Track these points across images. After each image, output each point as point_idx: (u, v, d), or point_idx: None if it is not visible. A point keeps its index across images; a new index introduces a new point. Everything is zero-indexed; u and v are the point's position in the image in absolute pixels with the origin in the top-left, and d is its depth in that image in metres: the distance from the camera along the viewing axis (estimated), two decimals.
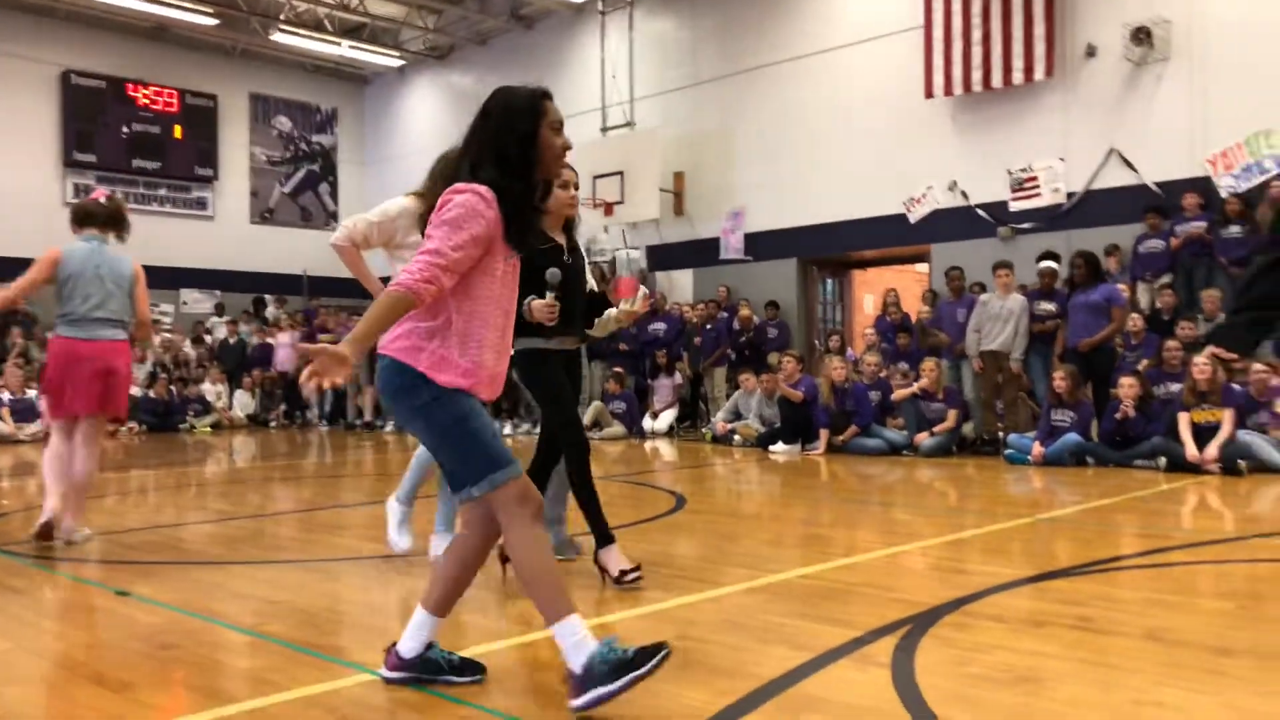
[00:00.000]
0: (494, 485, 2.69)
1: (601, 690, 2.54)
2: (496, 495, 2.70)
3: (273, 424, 16.38)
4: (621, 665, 2.54)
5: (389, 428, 14.51)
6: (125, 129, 18.71)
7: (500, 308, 2.83)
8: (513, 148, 2.87)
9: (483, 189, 2.78)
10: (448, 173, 4.13)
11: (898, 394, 10.01)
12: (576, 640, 2.60)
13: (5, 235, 16.20)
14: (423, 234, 2.83)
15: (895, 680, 2.83)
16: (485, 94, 3.07)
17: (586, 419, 12.84)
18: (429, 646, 2.88)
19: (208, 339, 17.76)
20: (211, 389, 16.01)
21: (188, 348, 17.20)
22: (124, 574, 4.51)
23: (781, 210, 14.36)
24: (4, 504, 6.71)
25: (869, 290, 15.44)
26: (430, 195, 4.23)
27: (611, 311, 4.40)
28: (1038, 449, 8.57)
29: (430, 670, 2.85)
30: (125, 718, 2.59)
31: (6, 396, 13.44)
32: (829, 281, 15.11)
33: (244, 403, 16.57)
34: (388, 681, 2.87)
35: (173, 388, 15.62)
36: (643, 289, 4.29)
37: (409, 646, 2.86)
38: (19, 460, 10.62)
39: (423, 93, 20.40)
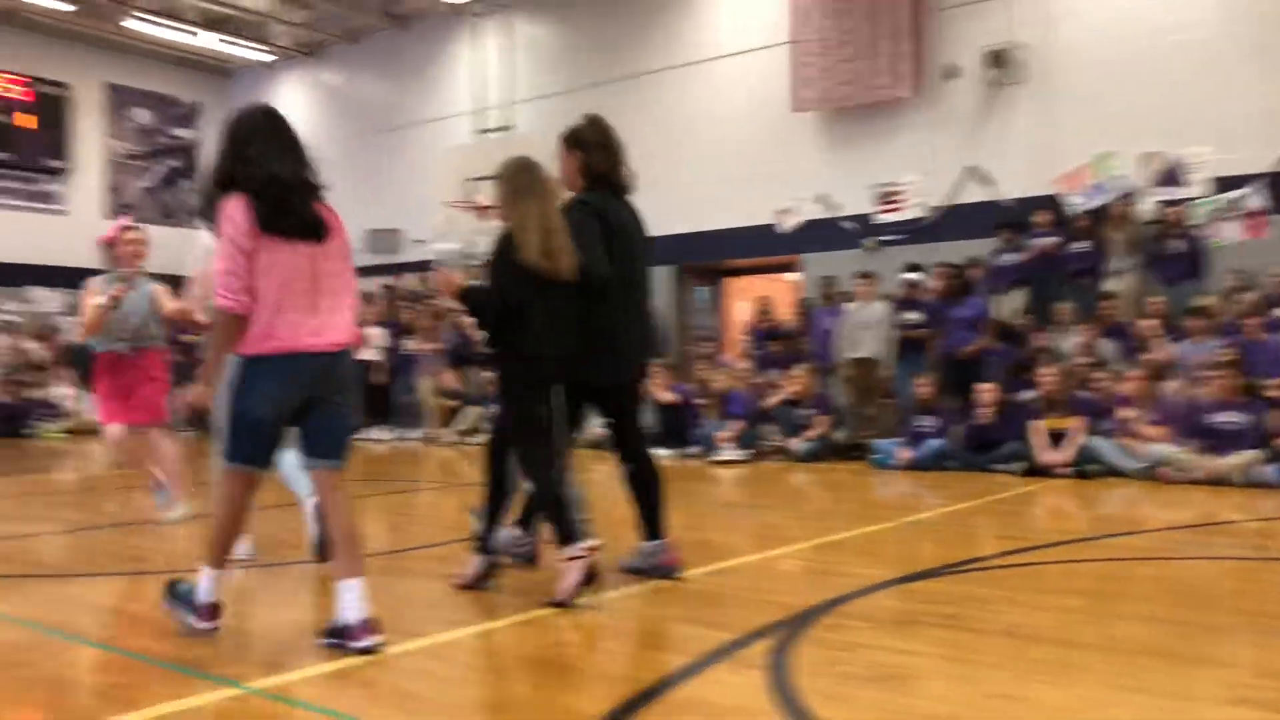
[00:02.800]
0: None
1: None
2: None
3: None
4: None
5: None
6: None
7: None
8: None
9: None
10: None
11: (771, 400, 10.23)
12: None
13: None
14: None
15: (770, 681, 2.90)
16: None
17: (467, 424, 12.71)
18: None
19: (57, 339, 16.81)
20: (62, 392, 15.17)
21: (34, 348, 16.26)
22: None
23: (657, 217, 14.37)
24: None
25: (742, 297, 15.72)
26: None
27: None
28: (904, 453, 8.89)
29: None
30: None
31: None
32: (703, 288, 15.32)
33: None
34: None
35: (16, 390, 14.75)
36: None
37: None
38: None
39: (292, 89, 19.81)
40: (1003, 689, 2.87)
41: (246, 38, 18.72)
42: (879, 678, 2.95)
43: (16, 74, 18.18)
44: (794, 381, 10.17)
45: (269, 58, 19.57)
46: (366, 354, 13.57)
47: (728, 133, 13.90)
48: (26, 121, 18.30)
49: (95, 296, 5.99)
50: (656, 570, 4.31)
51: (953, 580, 4.35)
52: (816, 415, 9.90)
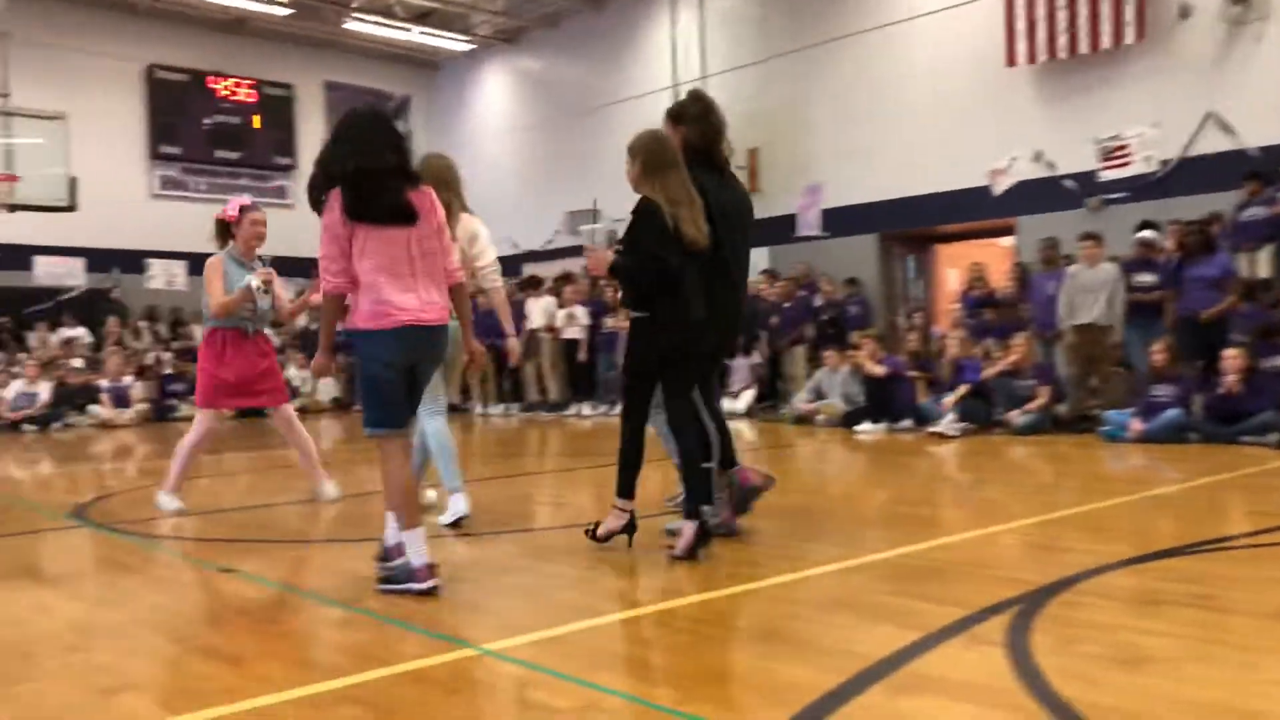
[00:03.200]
0: None
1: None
2: None
3: (356, 407, 16.64)
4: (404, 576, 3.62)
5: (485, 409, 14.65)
6: (207, 120, 19.12)
7: None
8: None
9: None
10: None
11: (987, 371, 9.75)
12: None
13: (97, 228, 16.74)
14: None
15: (1010, 659, 2.74)
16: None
17: None
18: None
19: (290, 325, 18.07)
20: (296, 374, 16.30)
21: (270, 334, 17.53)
22: (226, 551, 4.60)
23: (859, 185, 14.12)
24: (110, 485, 6.91)
25: (952, 265, 15.11)
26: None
27: None
28: (1136, 425, 8.27)
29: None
30: (239, 689, 2.63)
31: (105, 384, 13.87)
32: (910, 257, 14.82)
33: (328, 387, 16.87)
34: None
35: None
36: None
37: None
38: (119, 444, 10.95)
39: (494, 77, 20.48)
40: (1270, 674, 2.60)
41: (451, 29, 19.45)
42: (1129, 660, 2.73)
43: (248, 78, 19.63)
44: (1012, 351, 9.67)
45: (471, 47, 20.28)
46: (570, 332, 13.88)
47: (935, 93, 13.34)
48: (257, 122, 19.75)
49: (220, 277, 5.64)
50: (742, 492, 4.61)
51: (1199, 559, 4.01)
52: (1037, 386, 9.38)
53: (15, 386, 13.70)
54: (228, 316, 5.65)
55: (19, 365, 14.28)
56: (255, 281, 5.59)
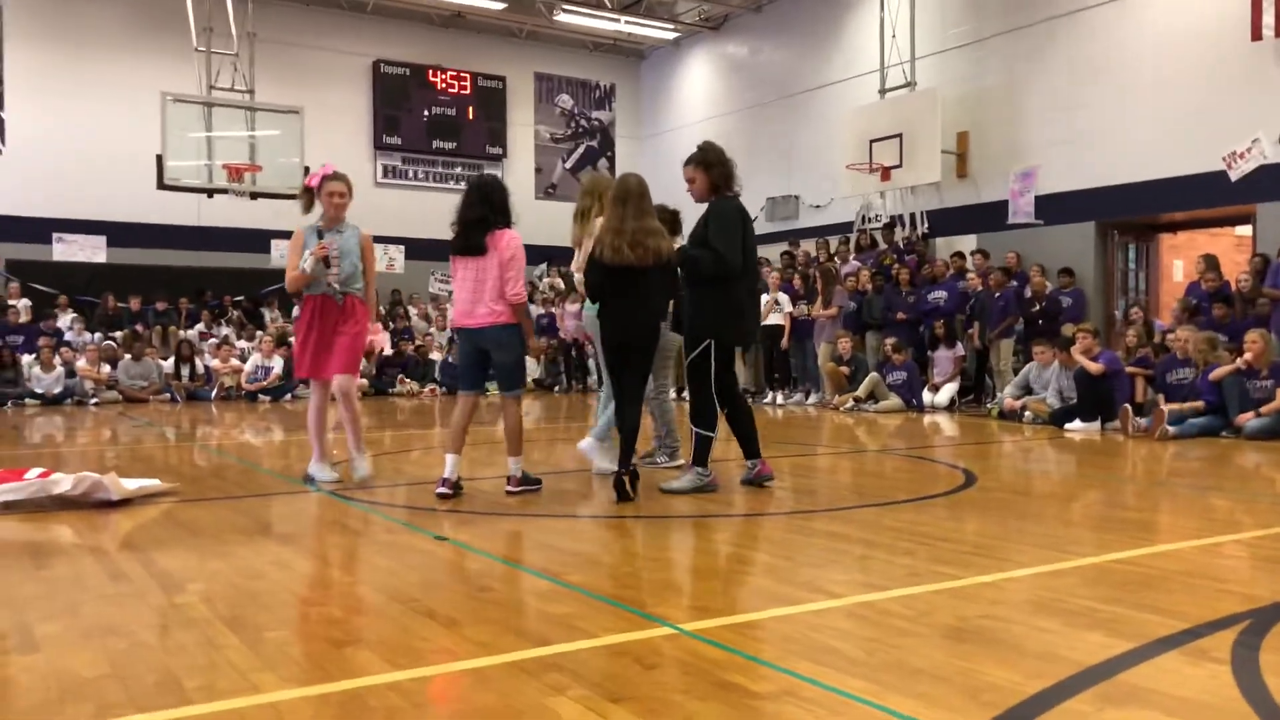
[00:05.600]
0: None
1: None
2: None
3: (557, 389, 17.21)
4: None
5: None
6: (426, 112, 20.15)
7: None
8: None
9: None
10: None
11: (1218, 371, 9.08)
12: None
13: None
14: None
15: (1237, 678, 2.58)
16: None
17: (862, 390, 12.59)
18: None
19: None
20: None
21: None
22: (438, 521, 4.88)
23: (1076, 170, 13.40)
24: (336, 454, 7.43)
25: (1178, 256, 14.12)
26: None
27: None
28: None
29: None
30: (455, 651, 2.80)
31: None
32: (1130, 246, 13.95)
33: (531, 368, 17.50)
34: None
35: None
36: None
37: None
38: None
39: (697, 64, 20.59)
40: None
41: (657, 18, 19.69)
42: None
43: (464, 71, 20.53)
44: (1248, 349, 8.96)
45: (675, 35, 20.45)
46: (773, 318, 13.82)
47: (1166, 71, 12.49)
48: (471, 113, 20.64)
49: (297, 251, 5.85)
50: (757, 478, 5.92)
51: None
52: (1275, 387, 8.67)
53: (253, 360, 14.92)
54: (294, 293, 6.01)
55: (256, 340, 15.54)
56: (308, 264, 5.79)
